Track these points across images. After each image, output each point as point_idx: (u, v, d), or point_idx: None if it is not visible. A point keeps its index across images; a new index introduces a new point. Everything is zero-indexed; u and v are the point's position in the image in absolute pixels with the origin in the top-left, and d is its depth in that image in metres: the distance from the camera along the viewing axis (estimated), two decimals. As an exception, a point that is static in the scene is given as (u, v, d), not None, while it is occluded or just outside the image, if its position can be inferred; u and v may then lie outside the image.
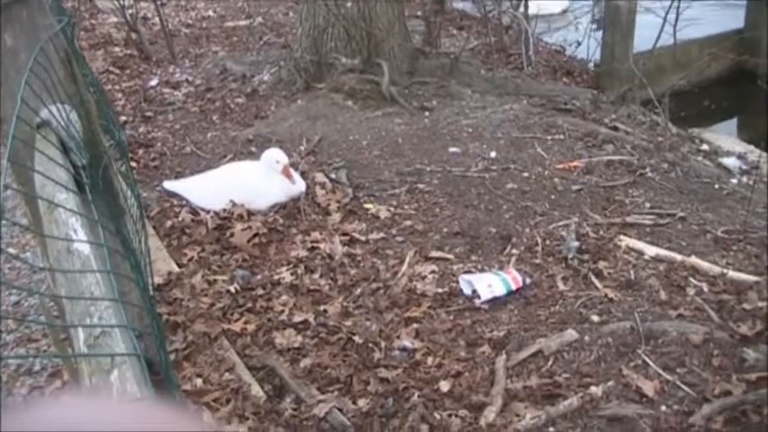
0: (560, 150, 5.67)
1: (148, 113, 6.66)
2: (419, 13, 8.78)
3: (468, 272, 4.25)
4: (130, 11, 8.49)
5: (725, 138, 7.54)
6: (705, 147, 6.95)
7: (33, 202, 2.12)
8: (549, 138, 5.84)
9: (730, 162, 6.36)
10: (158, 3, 8.32)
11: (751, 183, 5.39)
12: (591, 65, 8.55)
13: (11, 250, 5.12)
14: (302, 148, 5.61)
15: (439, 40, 7.12)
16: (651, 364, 3.52)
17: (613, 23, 7.65)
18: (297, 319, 3.87)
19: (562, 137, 5.88)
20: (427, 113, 6.16)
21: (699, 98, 8.91)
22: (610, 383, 3.43)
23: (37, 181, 1.71)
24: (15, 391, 3.75)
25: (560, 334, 3.72)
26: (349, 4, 6.12)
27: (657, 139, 6.29)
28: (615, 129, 6.36)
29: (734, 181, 5.68)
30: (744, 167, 6.26)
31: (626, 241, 4.53)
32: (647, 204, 5.00)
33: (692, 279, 4.15)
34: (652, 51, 7.38)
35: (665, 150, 5.95)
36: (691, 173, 5.60)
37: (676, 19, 6.72)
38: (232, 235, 4.54)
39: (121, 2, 8.18)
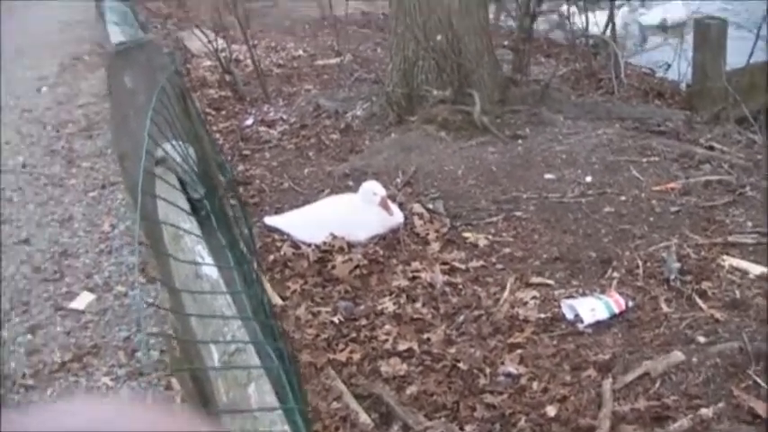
0: (656, 172, 5.62)
1: (246, 152, 6.83)
2: (506, 42, 8.85)
3: (570, 296, 4.25)
4: (224, 53, 8.74)
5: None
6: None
7: (155, 234, 2.23)
8: (644, 160, 5.79)
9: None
10: (251, 44, 8.53)
11: None
12: (683, 85, 8.45)
13: (120, 288, 5.31)
14: (398, 179, 5.68)
15: (528, 68, 7.16)
16: (762, 384, 3.47)
17: (704, 42, 7.57)
18: (401, 347, 3.93)
19: (657, 158, 5.83)
20: (520, 141, 6.18)
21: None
22: (720, 405, 3.38)
23: (161, 212, 1.81)
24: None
25: (666, 356, 3.69)
26: (439, 37, 6.20)
27: (755, 157, 6.19)
28: (711, 149, 6.27)
29: (838, 197, 5.54)
30: None
31: (729, 261, 4.47)
32: (749, 223, 4.92)
33: (800, 297, 4.07)
34: (745, 68, 7.29)
35: (764, 168, 5.85)
36: (794, 190, 5.49)
37: (758, 31, 6.66)
38: (333, 267, 4.63)
39: (215, 45, 8.44)
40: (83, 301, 5.09)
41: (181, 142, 2.08)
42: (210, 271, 1.54)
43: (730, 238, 4.72)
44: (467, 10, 6.43)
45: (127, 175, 2.15)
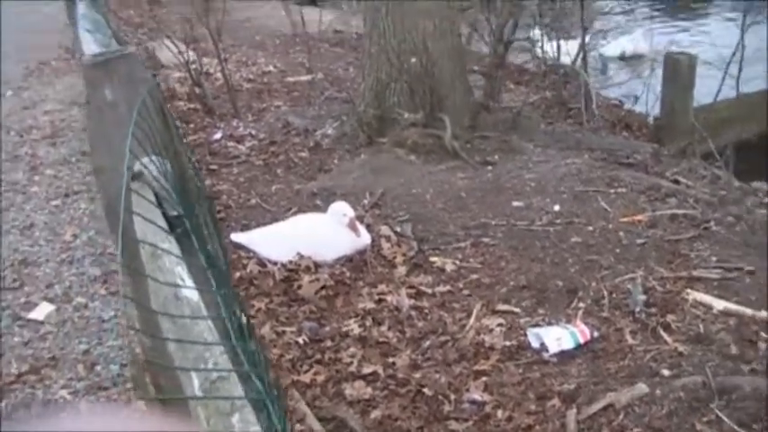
0: (623, 204, 5.65)
1: (213, 167, 6.78)
2: (476, 67, 8.88)
3: (536, 325, 4.25)
4: (194, 66, 8.68)
5: (788, 192, 7.45)
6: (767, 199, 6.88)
7: (131, 251, 2.18)
8: (611, 191, 5.83)
9: (796, 216, 6.28)
10: (222, 58, 8.48)
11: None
12: (650, 118, 8.54)
13: (80, 299, 5.22)
14: (366, 201, 5.67)
15: (500, 95, 7.19)
16: (725, 419, 3.48)
17: (673, 77, 7.66)
18: (366, 370, 3.90)
19: (625, 190, 5.87)
20: (490, 167, 6.20)
21: (759, 152, 8.83)
22: (683, 439, 3.39)
23: (138, 229, 1.77)
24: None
25: (631, 388, 3.70)
26: (413, 60, 6.21)
27: (720, 192, 6.25)
28: (677, 182, 6.33)
29: (802, 235, 5.60)
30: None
31: (693, 295, 4.49)
32: (714, 258, 4.95)
33: (763, 333, 4.09)
34: (712, 105, 7.38)
35: (729, 204, 5.91)
36: (756, 226, 5.54)
37: (739, 72, 6.75)
38: (299, 287, 4.60)
39: (186, 57, 8.39)
40: (42, 311, 5.00)
41: (159, 157, 2.04)
42: (191, 294, 1.50)
43: (695, 273, 4.75)
44: (441, 34, 6.45)
45: (103, 190, 2.11)
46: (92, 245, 5.85)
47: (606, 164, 6.48)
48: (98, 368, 4.45)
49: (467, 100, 6.77)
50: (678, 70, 7.61)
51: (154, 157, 2.02)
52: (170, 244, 1.65)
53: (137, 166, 2.07)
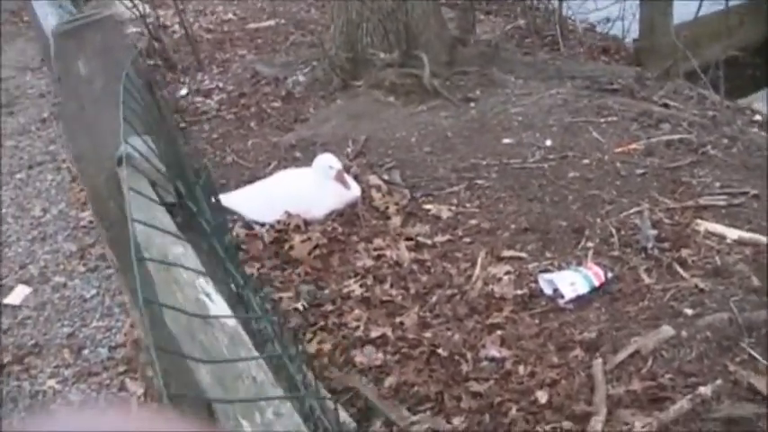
0: (616, 133, 5.43)
1: (182, 125, 6.44)
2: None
3: (546, 270, 4.04)
4: (150, 19, 8.28)
5: (775, 105, 7.27)
6: (758, 117, 6.69)
7: (120, 245, 1.92)
8: (602, 121, 5.59)
9: (788, 131, 6.10)
10: (180, 8, 8.07)
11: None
12: (630, 41, 8.28)
13: (58, 278, 4.95)
14: (349, 149, 5.39)
15: (474, 28, 6.88)
16: (759, 357, 3.30)
17: (650, -4, 7.39)
18: (374, 334, 3.67)
19: (615, 118, 5.64)
20: (473, 104, 5.93)
21: (740, 67, 8.62)
22: (718, 382, 3.20)
23: (140, 232, 1.50)
24: None
25: (656, 331, 3.50)
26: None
27: (708, 113, 6.05)
28: (666, 106, 6.11)
29: (798, 150, 5.42)
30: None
31: (704, 225, 4.29)
32: (717, 184, 4.75)
33: (783, 261, 3.91)
34: (693, 21, 7.14)
35: (722, 125, 5.71)
36: (752, 147, 5.35)
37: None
38: (291, 248, 4.34)
39: (141, 11, 7.99)
40: (18, 295, 4.72)
41: (150, 138, 1.76)
42: (222, 312, 1.22)
43: (701, 201, 4.55)
44: (412, -32, 6.12)
45: (87, 179, 1.83)
46: (63, 218, 5.56)
47: (591, 92, 6.23)
48: (85, 352, 4.21)
49: (442, 35, 6.47)
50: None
51: (143, 138, 1.74)
52: (184, 249, 1.38)
53: (123, 148, 1.79)
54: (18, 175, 6.24)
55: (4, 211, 5.65)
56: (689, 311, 3.62)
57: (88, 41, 1.81)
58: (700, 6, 6.86)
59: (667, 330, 3.48)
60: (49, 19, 3.75)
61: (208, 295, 1.27)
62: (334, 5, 6.45)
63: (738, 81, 8.69)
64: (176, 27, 8.94)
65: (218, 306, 1.25)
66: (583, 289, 3.82)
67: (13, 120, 7.29)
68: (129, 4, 7.99)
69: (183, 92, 7.14)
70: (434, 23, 6.34)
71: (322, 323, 3.79)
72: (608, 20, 9.19)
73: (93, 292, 4.68)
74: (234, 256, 2.02)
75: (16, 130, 7.07)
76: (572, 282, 3.83)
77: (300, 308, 3.88)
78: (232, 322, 1.19)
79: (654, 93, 6.36)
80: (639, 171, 4.89)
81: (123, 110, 1.65)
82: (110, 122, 1.76)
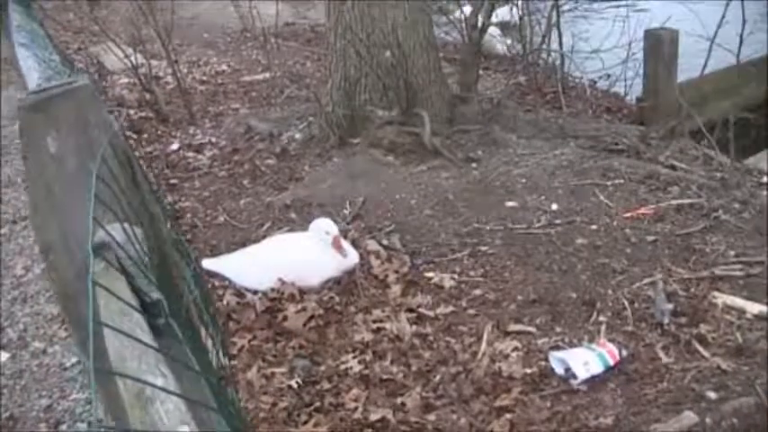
0: (623, 196, 5.22)
1: (173, 181, 6.23)
2: (441, 54, 8.38)
3: (557, 347, 3.79)
4: (142, 69, 8.11)
5: (782, 167, 7.08)
6: (766, 179, 6.50)
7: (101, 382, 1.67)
8: (608, 183, 5.39)
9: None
10: (173, 60, 7.88)
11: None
12: (631, 98, 8.12)
13: (37, 344, 4.68)
14: (346, 211, 5.17)
15: (476, 85, 6.70)
16: (790, 449, 3.06)
17: (655, 54, 7.23)
18: (373, 417, 3.39)
19: (622, 181, 5.44)
20: (474, 165, 5.72)
21: (743, 127, 8.44)
22: (747, 476, 2.96)
23: (111, 349, 1.26)
24: None
25: (677, 417, 3.26)
26: (387, 53, 5.70)
27: (716, 174, 5.86)
28: (673, 168, 5.91)
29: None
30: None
31: (721, 298, 4.07)
32: (731, 252, 4.54)
33: (807, 340, 3.68)
34: (699, 79, 6.98)
35: (732, 188, 5.51)
36: (764, 210, 5.15)
37: (713, 40, 6.33)
38: (285, 318, 4.08)
39: (133, 61, 7.81)
40: (-4, 360, 4.45)
41: (127, 225, 1.53)
42: None
43: (717, 271, 4.34)
44: (413, 24, 5.94)
45: (54, 273, 1.59)
46: (45, 278, 5.29)
47: (596, 152, 6.04)
48: (63, 428, 3.92)
49: (442, 92, 6.28)
50: (660, 47, 7.18)
51: (120, 225, 1.50)
52: (165, 379, 1.13)
53: (98, 236, 1.55)
54: (1, 230, 5.98)
55: (-17, 269, 5.39)
56: (712, 395, 3.38)
57: (60, 115, 1.58)
58: (705, 64, 6.69)
59: (690, 417, 3.24)
60: (32, 74, 3.54)
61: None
62: (331, 60, 6.25)
63: (743, 140, 8.53)
64: (169, 78, 8.76)
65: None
66: (597, 369, 3.57)
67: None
68: (122, 55, 7.82)
69: (175, 146, 6.92)
70: (435, 80, 6.16)
71: (318, 403, 3.52)
72: (608, 75, 9.03)
73: (74, 360, 4.40)
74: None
75: (2, 182, 6.82)
76: (585, 361, 3.59)
77: (295, 385, 3.61)
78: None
79: (660, 153, 6.18)
80: (650, 238, 4.68)
81: (96, 193, 1.42)
82: (82, 208, 1.52)
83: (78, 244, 1.54)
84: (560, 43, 7.99)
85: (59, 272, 1.58)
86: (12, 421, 4.01)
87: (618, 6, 11.17)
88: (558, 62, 7.92)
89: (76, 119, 1.58)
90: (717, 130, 6.61)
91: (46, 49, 3.96)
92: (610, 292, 4.19)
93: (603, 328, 3.91)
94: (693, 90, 7.02)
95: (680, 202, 5.16)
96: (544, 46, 8.08)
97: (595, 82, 8.92)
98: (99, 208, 1.55)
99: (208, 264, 4.57)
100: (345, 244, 4.44)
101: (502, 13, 9.17)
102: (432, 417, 3.41)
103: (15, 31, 4.42)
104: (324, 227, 4.40)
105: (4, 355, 4.55)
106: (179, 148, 6.86)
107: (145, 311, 1.46)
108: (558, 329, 3.94)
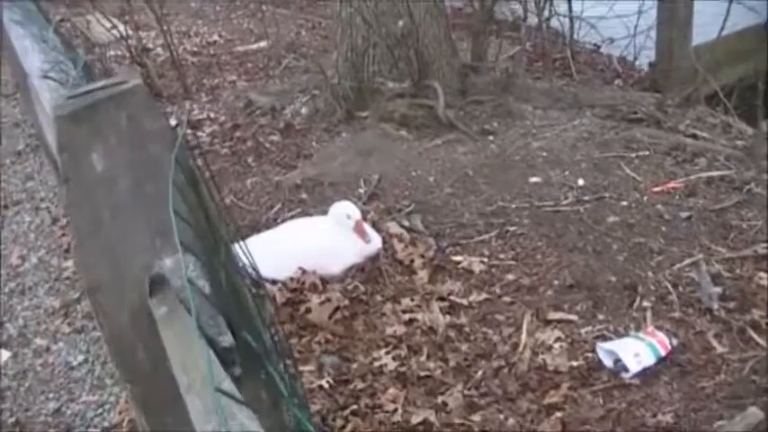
0: (650, 170, 4.99)
1: (172, 159, 5.93)
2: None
3: (603, 337, 3.56)
4: (131, 41, 7.77)
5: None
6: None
7: (149, 409, 1.42)
8: (633, 155, 5.15)
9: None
10: (166, 30, 7.53)
11: None
12: (643, 65, 7.85)
13: (39, 340, 4.42)
14: (361, 190, 4.90)
15: (486, 54, 6.42)
16: None
17: (670, 18, 6.96)
18: (415, 419, 3.16)
19: (647, 153, 5.20)
20: (491, 137, 5.46)
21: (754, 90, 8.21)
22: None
23: (191, 409, 1.01)
24: None
25: (742, 414, 3.04)
26: (401, 23, 5.40)
27: (737, 143, 5.63)
28: (695, 137, 5.68)
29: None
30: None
31: (769, 279, 3.86)
32: (770, 227, 4.32)
33: None
34: (714, 43, 6.72)
35: (760, 159, 5.27)
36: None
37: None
38: (308, 311, 3.82)
39: (122, 32, 7.48)
40: (-4, 359, 4.19)
41: (194, 256, 1.26)
42: None
43: (759, 250, 4.11)
44: (422, -11, 5.65)
45: (105, 317, 1.32)
46: (44, 268, 5.03)
47: (615, 122, 5.78)
48: (75, 433, 3.67)
49: (454, 63, 6.00)
50: (674, 11, 6.91)
51: (185, 256, 1.24)
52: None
53: (156, 268, 1.29)
54: (-7, 217, 5.70)
55: (-24, 259, 5.11)
56: (775, 388, 3.16)
57: (107, 125, 1.31)
58: (723, 26, 6.42)
59: (756, 413, 3.02)
60: (31, 56, 3.21)
61: None
62: (337, 29, 5.95)
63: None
64: (159, 50, 8.42)
65: None
66: (648, 360, 3.35)
67: (-13, 153, 6.74)
68: (109, 25, 7.49)
69: (172, 123, 6.59)
70: (446, 50, 5.87)
71: (354, 406, 3.27)
72: (612, 40, 8.75)
73: (81, 358, 4.15)
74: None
75: (-11, 164, 6.52)
76: (636, 352, 3.36)
77: (326, 385, 3.37)
78: None
79: (679, 122, 5.93)
80: (684, 214, 4.46)
81: (148, 220, 1.16)
82: (138, 238, 1.26)
83: (132, 280, 1.28)
84: (569, 7, 7.68)
85: (110, 315, 1.32)
86: (18, 427, 3.76)
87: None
88: (567, 27, 7.62)
89: (129, 129, 1.31)
90: (734, 96, 6.41)
91: (43, 27, 3.65)
92: (650, 274, 3.96)
93: (649, 314, 3.68)
94: (709, 54, 6.75)
95: (709, 174, 4.93)
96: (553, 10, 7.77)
97: (598, 46, 8.66)
98: (157, 236, 1.29)
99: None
100: (368, 228, 4.18)
101: None
102: (477, 417, 3.18)
103: (5, 8, 4.08)
104: (345, 210, 4.13)
105: (5, 354, 4.29)
106: (176, 125, 6.53)
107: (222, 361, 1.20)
108: (601, 317, 3.71)
